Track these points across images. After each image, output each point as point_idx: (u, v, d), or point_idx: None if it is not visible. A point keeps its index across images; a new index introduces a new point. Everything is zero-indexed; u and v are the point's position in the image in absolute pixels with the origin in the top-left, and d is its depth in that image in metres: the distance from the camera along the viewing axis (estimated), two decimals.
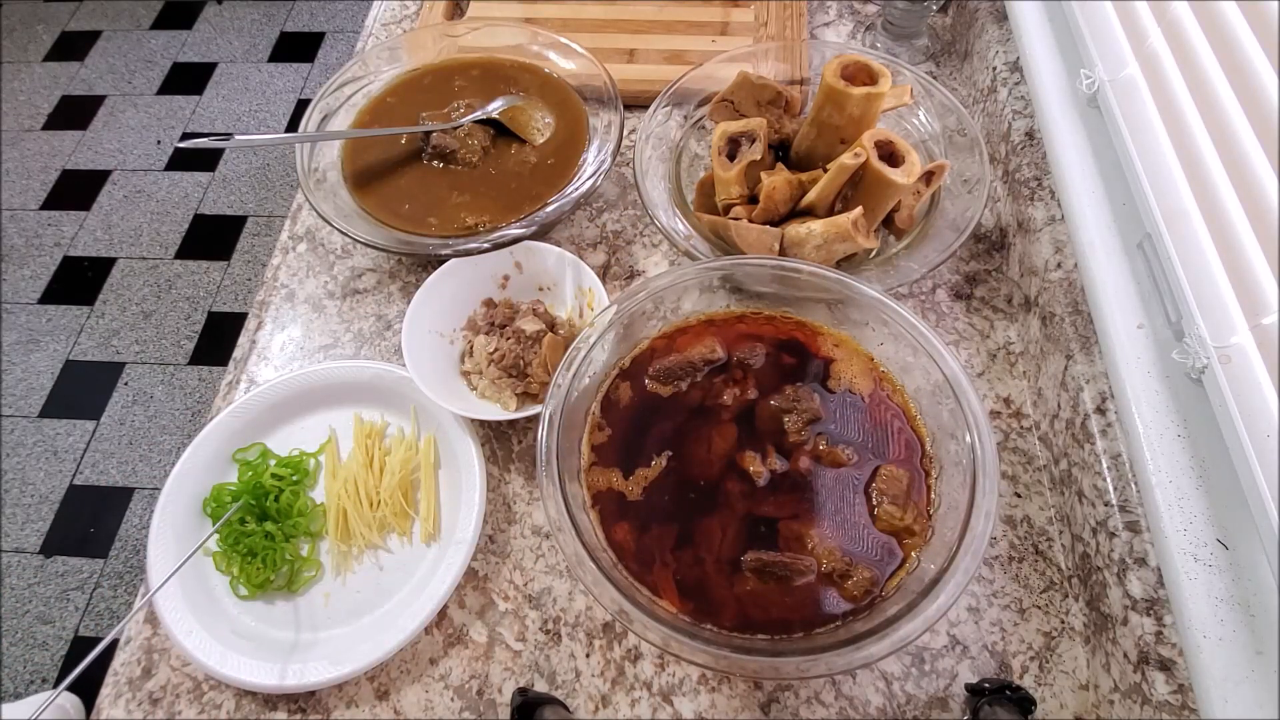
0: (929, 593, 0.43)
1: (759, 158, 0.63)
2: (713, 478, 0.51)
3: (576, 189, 0.69)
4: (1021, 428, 0.61)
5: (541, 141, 0.74)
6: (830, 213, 0.62)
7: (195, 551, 0.55)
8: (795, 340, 0.57)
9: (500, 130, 0.75)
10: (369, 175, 0.72)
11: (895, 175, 0.57)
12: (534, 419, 0.62)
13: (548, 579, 0.57)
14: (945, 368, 0.50)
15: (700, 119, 0.73)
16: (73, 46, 2.35)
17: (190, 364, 1.73)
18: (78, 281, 1.86)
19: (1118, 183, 0.59)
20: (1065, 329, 0.58)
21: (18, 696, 1.34)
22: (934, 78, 0.74)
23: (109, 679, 0.55)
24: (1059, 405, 0.58)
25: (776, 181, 0.62)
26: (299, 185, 0.70)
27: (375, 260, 0.74)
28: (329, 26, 2.37)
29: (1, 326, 1.78)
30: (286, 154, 2.07)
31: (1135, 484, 0.49)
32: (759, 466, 0.51)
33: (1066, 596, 0.54)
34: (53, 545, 1.50)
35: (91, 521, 1.52)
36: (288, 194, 2.00)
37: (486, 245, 0.65)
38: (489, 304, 0.66)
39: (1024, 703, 0.47)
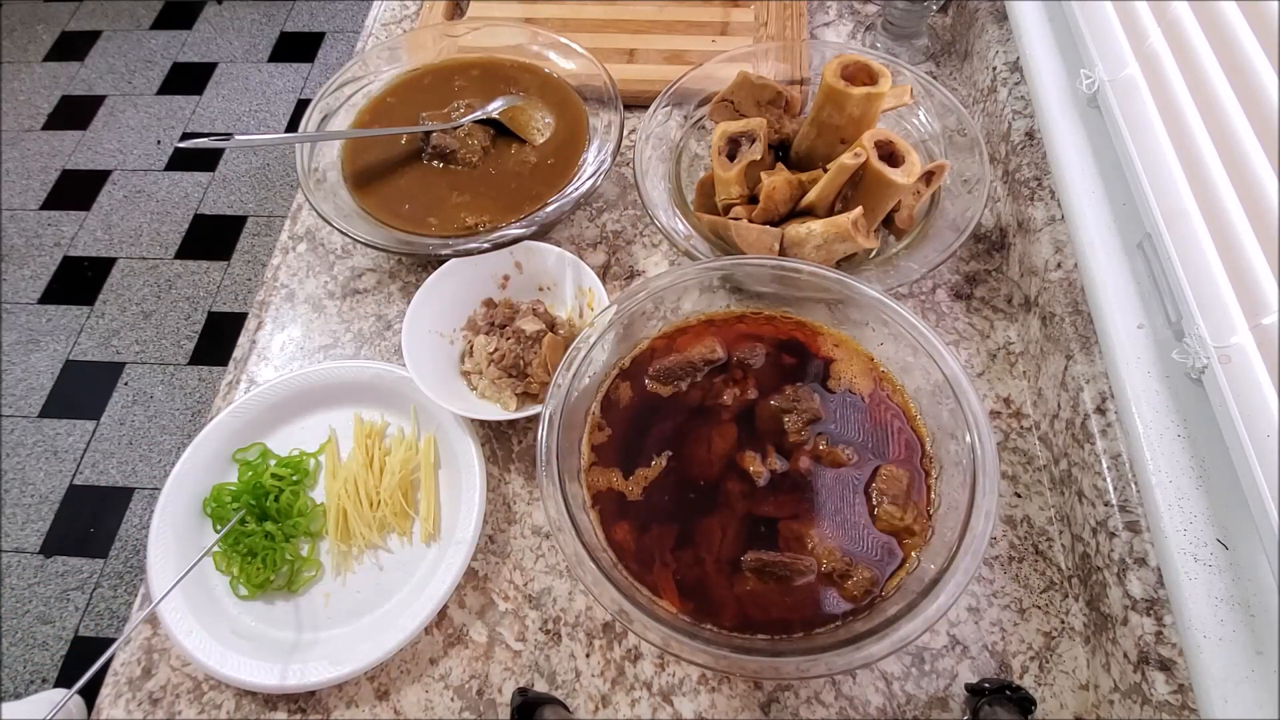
0: (929, 593, 0.43)
1: (759, 158, 0.63)
2: (713, 478, 0.51)
3: (576, 189, 0.69)
4: (1021, 428, 0.61)
5: (541, 141, 0.74)
6: (830, 213, 0.62)
7: (201, 559, 0.55)
8: (795, 340, 0.57)
9: (500, 130, 0.75)
10: (369, 175, 0.72)
11: (895, 175, 0.57)
12: (534, 419, 0.62)
13: (548, 579, 0.57)
14: (945, 368, 0.50)
15: (700, 119, 0.73)
16: (73, 46, 2.35)
17: (190, 364, 1.73)
18: (78, 281, 1.86)
19: (1118, 183, 0.59)
20: (1065, 329, 0.58)
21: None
22: (934, 78, 0.74)
23: (109, 679, 0.55)
24: (1059, 405, 0.58)
25: (776, 181, 0.62)
26: (299, 185, 0.70)
27: (375, 260, 0.74)
28: (329, 26, 2.37)
29: (1, 326, 1.78)
30: (286, 154, 2.07)
31: (1135, 484, 0.49)
32: (759, 466, 0.51)
33: (1066, 596, 0.54)
34: (53, 545, 1.50)
35: (91, 521, 1.52)
36: (288, 194, 2.00)
37: (486, 245, 0.65)
38: (489, 304, 0.66)
39: (1024, 703, 0.47)
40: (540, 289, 0.68)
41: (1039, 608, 0.54)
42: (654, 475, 0.52)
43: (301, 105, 2.19)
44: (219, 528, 0.58)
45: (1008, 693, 0.47)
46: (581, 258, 0.65)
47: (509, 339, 0.61)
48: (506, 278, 0.67)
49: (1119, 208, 0.58)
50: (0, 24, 2.40)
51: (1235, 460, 0.44)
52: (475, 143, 0.73)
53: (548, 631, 0.55)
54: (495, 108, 0.75)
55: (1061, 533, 0.56)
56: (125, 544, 1.50)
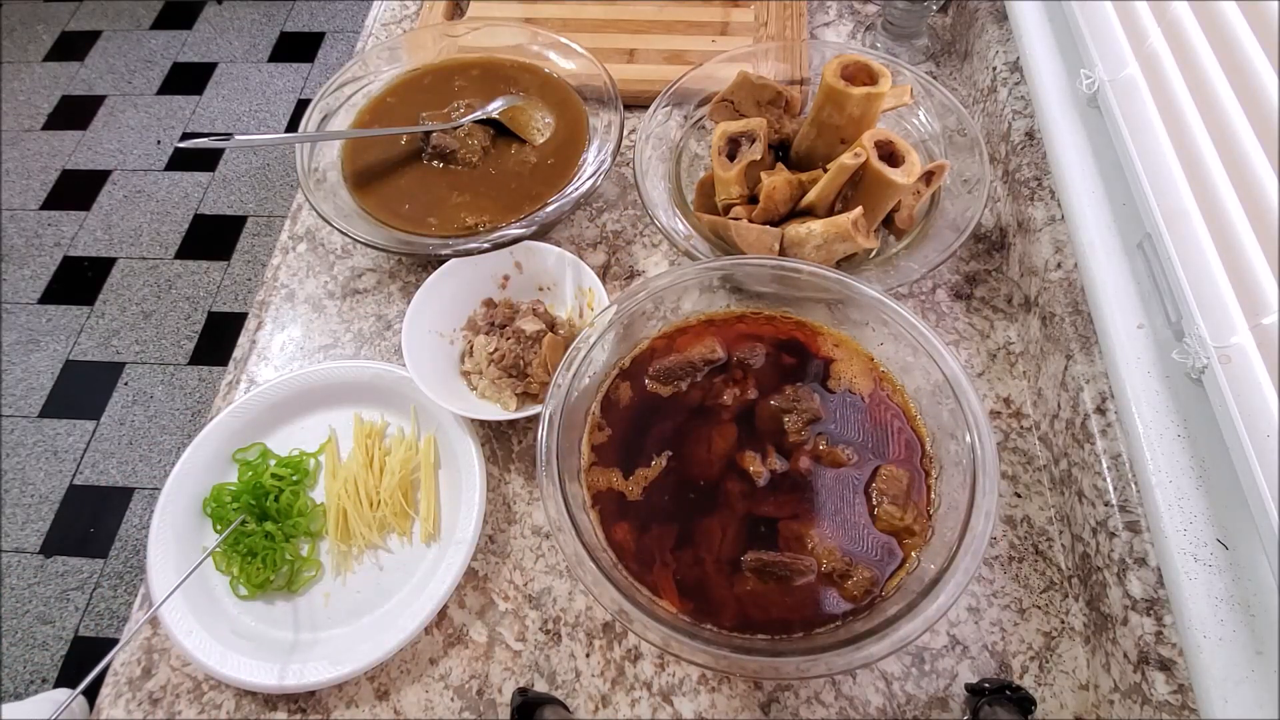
0: (929, 593, 0.43)
1: (759, 158, 0.63)
2: (713, 478, 0.51)
3: (576, 189, 0.69)
4: (1021, 428, 0.61)
5: (541, 141, 0.74)
6: (830, 213, 0.62)
7: (201, 562, 0.55)
8: (795, 340, 0.57)
9: (500, 130, 0.75)
10: (369, 175, 0.72)
11: (895, 175, 0.57)
12: (534, 419, 0.62)
13: (548, 579, 0.57)
14: (945, 368, 0.50)
15: (700, 119, 0.73)
16: (73, 46, 2.35)
17: (190, 364, 1.73)
18: (78, 281, 1.86)
19: (1118, 183, 0.59)
20: (1065, 329, 0.58)
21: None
22: (934, 78, 0.74)
23: (109, 679, 0.55)
24: (1059, 405, 0.58)
25: (776, 181, 0.62)
26: (299, 185, 0.70)
27: (375, 260, 0.74)
28: (329, 26, 2.37)
29: (1, 326, 1.78)
30: (286, 154, 2.07)
31: (1135, 484, 0.49)
32: (759, 466, 0.51)
33: (1066, 596, 0.54)
34: (53, 545, 1.50)
35: (91, 521, 1.52)
36: (288, 194, 2.00)
37: (486, 245, 0.65)
38: (489, 304, 0.66)
39: (1024, 703, 0.47)
40: (540, 289, 0.68)
41: (1039, 608, 0.54)
42: (654, 475, 0.52)
43: (301, 105, 2.19)
44: (219, 528, 0.58)
45: (1008, 693, 0.47)
46: (581, 258, 0.65)
47: (509, 339, 0.61)
48: (506, 278, 0.67)
49: (1119, 208, 0.58)
50: (0, 24, 2.40)
51: (1235, 460, 0.44)
52: (475, 143, 0.73)
53: (548, 631, 0.55)
54: (495, 108, 0.75)
55: (1061, 533, 0.56)
56: (125, 544, 1.50)
